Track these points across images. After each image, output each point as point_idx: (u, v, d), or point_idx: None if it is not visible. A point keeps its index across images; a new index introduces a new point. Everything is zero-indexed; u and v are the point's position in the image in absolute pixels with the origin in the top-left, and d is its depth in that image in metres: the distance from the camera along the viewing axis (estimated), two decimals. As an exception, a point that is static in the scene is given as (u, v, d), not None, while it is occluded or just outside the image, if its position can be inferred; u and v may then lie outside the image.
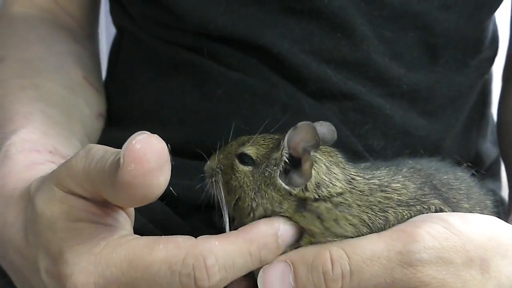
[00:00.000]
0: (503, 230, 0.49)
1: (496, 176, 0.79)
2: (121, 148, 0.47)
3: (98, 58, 0.82)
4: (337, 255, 0.45)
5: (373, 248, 0.45)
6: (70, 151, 0.61)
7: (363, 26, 0.64)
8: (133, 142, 0.40)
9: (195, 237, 0.63)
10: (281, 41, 0.64)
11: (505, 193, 0.74)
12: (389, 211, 0.48)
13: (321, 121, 0.53)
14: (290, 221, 0.48)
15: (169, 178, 0.41)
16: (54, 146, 0.59)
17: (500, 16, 0.76)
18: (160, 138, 0.40)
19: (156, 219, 0.62)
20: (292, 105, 0.64)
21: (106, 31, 1.16)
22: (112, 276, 0.43)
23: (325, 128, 0.53)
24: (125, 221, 0.47)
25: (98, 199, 0.45)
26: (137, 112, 0.71)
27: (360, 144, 0.64)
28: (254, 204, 0.49)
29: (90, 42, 0.83)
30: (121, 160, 0.39)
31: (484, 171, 0.74)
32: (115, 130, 0.73)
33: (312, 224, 0.48)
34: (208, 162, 0.53)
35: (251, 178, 0.50)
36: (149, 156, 0.40)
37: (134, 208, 0.49)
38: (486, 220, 0.49)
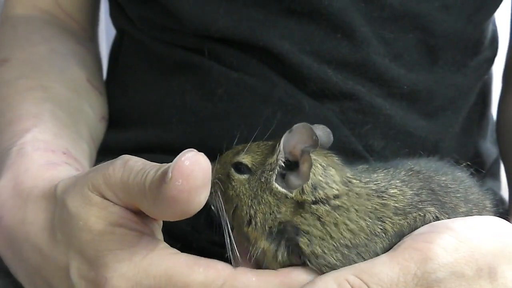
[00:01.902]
0: (507, 231, 0.49)
1: (496, 176, 0.80)
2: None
3: (100, 61, 0.83)
4: (358, 286, 0.45)
5: (389, 274, 0.45)
6: (79, 153, 0.61)
7: (363, 27, 0.64)
8: (182, 158, 0.41)
9: (196, 238, 0.64)
10: (282, 42, 0.64)
11: (504, 192, 0.74)
12: (387, 221, 0.48)
13: (315, 124, 0.53)
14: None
15: (208, 196, 0.42)
16: (66, 147, 0.59)
17: (500, 17, 0.76)
18: (206, 157, 0.42)
19: (157, 219, 0.63)
20: (293, 105, 0.64)
21: (106, 32, 1.16)
22: (150, 287, 0.44)
23: (320, 131, 0.53)
24: (158, 230, 0.49)
25: (132, 209, 0.46)
26: (137, 113, 0.71)
27: (360, 144, 0.64)
28: (252, 212, 0.49)
29: (92, 44, 0.83)
30: (169, 174, 0.41)
31: (484, 171, 0.75)
32: (116, 131, 0.73)
33: (314, 226, 0.48)
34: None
35: (247, 186, 0.50)
36: (196, 173, 0.41)
37: None
38: (489, 222, 0.49)
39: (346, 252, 0.48)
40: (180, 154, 0.41)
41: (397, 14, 0.65)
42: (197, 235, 0.64)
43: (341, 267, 0.47)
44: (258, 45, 0.64)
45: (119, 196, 0.45)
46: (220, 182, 0.51)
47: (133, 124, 0.71)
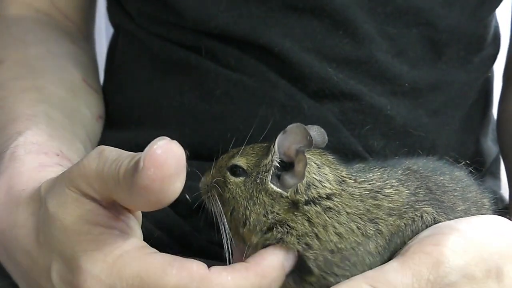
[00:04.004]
0: (510, 230, 0.49)
1: (496, 175, 0.79)
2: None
3: (95, 60, 0.82)
4: None
5: (403, 281, 0.45)
6: (74, 154, 0.60)
7: (366, 24, 0.64)
8: (154, 147, 0.40)
9: (196, 237, 0.64)
10: (283, 40, 0.64)
11: (504, 191, 0.74)
12: (380, 223, 0.48)
13: (309, 125, 0.53)
14: (289, 250, 0.48)
15: (183, 184, 0.41)
16: (60, 149, 0.58)
17: (501, 14, 0.76)
18: (179, 145, 0.41)
19: (157, 219, 0.63)
20: (291, 106, 0.63)
21: (106, 31, 1.16)
22: None
23: (314, 131, 0.53)
24: (136, 226, 0.47)
25: (108, 201, 0.45)
26: (135, 113, 0.71)
27: (360, 145, 0.64)
28: (247, 212, 0.49)
29: (87, 43, 0.82)
30: (141, 164, 0.40)
31: (484, 169, 0.75)
32: (114, 131, 0.72)
33: (302, 225, 0.48)
34: (203, 179, 0.53)
35: (242, 188, 0.50)
36: (169, 161, 0.40)
37: None
38: (493, 221, 0.49)
39: (329, 257, 0.48)
40: (151, 142, 0.40)
41: (401, 9, 0.65)
42: (197, 235, 0.64)
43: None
44: (258, 43, 0.64)
45: (95, 187, 0.44)
46: (218, 185, 0.51)
47: (132, 124, 0.71)
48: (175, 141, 0.41)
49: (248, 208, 0.49)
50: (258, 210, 0.49)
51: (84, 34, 0.83)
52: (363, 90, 0.64)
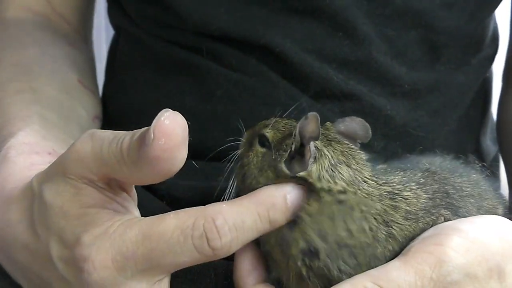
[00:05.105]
0: (511, 230, 0.49)
1: (496, 174, 0.79)
2: None
3: (93, 61, 0.82)
4: None
5: (406, 279, 0.45)
6: None
7: (365, 25, 0.64)
8: (162, 118, 0.42)
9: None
10: (283, 40, 0.64)
11: (503, 191, 0.74)
12: (394, 226, 0.48)
13: (353, 117, 0.53)
14: (297, 185, 0.48)
15: (187, 153, 0.44)
16: (52, 148, 0.58)
17: (500, 15, 0.76)
18: (181, 115, 0.43)
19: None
20: (292, 106, 0.63)
21: (106, 32, 1.16)
22: (129, 251, 0.44)
23: (356, 124, 0.53)
24: (132, 207, 0.49)
25: (105, 181, 0.46)
26: (136, 113, 0.71)
27: (361, 145, 0.64)
28: (254, 182, 0.50)
29: (84, 45, 0.82)
30: (151, 135, 0.42)
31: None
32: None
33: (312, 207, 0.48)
34: (245, 134, 0.54)
35: (260, 158, 0.50)
36: (177, 131, 0.42)
37: None
38: (494, 222, 0.49)
39: (335, 247, 0.47)
40: (158, 115, 0.42)
41: (400, 11, 0.65)
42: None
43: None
44: (259, 44, 0.64)
45: (92, 169, 0.45)
46: (246, 146, 0.52)
47: (132, 124, 0.70)
48: (178, 112, 0.43)
49: (255, 179, 0.50)
50: (261, 182, 0.49)
51: (81, 35, 0.82)
52: (363, 90, 0.65)
